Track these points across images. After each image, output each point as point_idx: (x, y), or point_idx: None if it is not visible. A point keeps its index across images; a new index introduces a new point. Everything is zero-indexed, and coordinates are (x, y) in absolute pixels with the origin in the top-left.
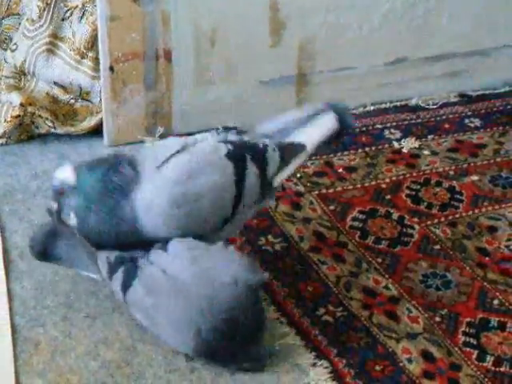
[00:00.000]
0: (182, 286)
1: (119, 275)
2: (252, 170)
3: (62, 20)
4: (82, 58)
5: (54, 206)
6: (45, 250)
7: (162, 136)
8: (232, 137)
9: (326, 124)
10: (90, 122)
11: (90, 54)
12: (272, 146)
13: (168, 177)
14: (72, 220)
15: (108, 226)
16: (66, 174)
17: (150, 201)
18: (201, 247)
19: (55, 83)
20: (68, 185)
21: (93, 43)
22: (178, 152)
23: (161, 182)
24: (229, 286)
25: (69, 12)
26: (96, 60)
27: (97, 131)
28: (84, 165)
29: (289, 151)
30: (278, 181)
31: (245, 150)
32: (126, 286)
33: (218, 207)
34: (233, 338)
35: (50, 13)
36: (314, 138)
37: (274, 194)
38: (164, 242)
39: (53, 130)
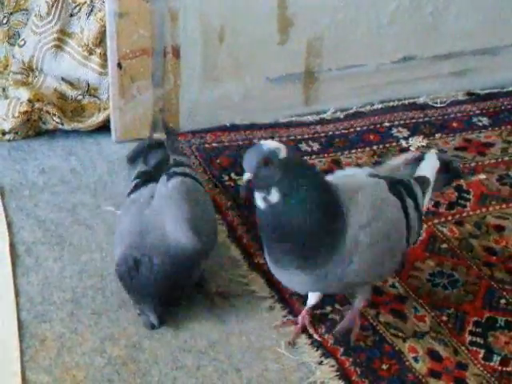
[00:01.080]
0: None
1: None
2: (410, 203)
3: (71, 16)
4: (90, 54)
5: (248, 176)
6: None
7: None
8: (372, 171)
9: (431, 163)
10: (97, 119)
11: (98, 51)
12: (413, 181)
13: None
14: (272, 195)
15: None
16: (278, 147)
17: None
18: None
19: (63, 79)
20: (279, 158)
21: (101, 39)
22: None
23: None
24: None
25: (77, 8)
26: (104, 56)
27: (104, 127)
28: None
29: (421, 184)
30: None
31: (397, 185)
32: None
33: (400, 245)
34: None
35: (59, 9)
36: (432, 174)
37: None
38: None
39: (60, 126)
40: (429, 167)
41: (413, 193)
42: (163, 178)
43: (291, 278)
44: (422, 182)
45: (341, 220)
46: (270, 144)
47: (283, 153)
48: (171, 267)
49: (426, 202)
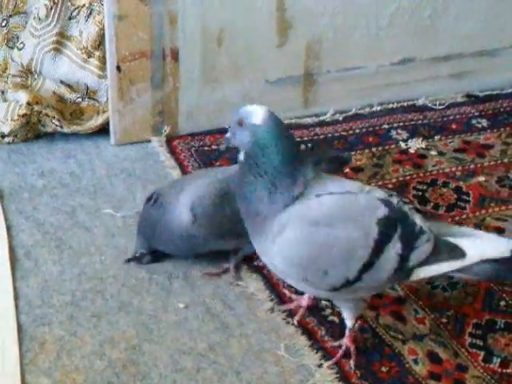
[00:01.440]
0: None
1: None
2: (395, 247)
3: (69, 19)
4: (89, 57)
5: (228, 134)
6: None
7: (169, 135)
8: (395, 199)
9: (498, 243)
10: (96, 121)
11: (97, 53)
12: (428, 236)
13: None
14: (241, 155)
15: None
16: (255, 111)
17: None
18: None
19: (62, 82)
20: (251, 122)
21: (100, 42)
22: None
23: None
24: None
25: (76, 11)
26: (103, 59)
27: (103, 130)
28: (277, 122)
29: (445, 250)
30: (420, 275)
31: (398, 223)
32: None
33: (342, 264)
34: None
35: (57, 12)
36: (479, 252)
37: (410, 281)
38: None
39: (59, 129)
40: (482, 248)
41: (413, 242)
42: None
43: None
44: (451, 250)
45: (289, 200)
46: (248, 107)
47: (257, 118)
48: (169, 223)
49: (444, 270)
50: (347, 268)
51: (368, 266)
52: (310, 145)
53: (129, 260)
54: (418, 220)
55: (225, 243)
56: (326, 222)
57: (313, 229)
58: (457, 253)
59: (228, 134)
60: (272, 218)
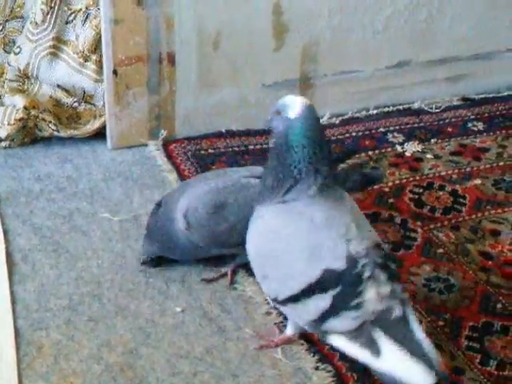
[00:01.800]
0: None
1: None
2: (324, 301)
3: (66, 23)
4: (86, 61)
5: (268, 119)
6: None
7: (166, 139)
8: (370, 260)
9: (421, 373)
10: (93, 125)
11: (94, 58)
12: (360, 315)
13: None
14: (271, 139)
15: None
16: (292, 105)
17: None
18: None
19: (58, 86)
20: (287, 115)
21: (96, 46)
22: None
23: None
24: None
25: (72, 15)
26: (99, 63)
27: (100, 134)
28: (311, 120)
29: (364, 340)
30: (331, 339)
31: (342, 285)
32: None
33: (276, 278)
34: None
35: (54, 16)
36: (392, 362)
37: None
38: None
39: (56, 133)
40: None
41: (342, 309)
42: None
43: None
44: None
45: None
46: (287, 99)
47: (294, 111)
48: (169, 227)
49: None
50: (279, 286)
51: (294, 299)
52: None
53: (143, 263)
54: (368, 294)
55: (221, 251)
56: (275, 235)
57: (264, 235)
58: (373, 349)
59: (269, 117)
60: (260, 204)
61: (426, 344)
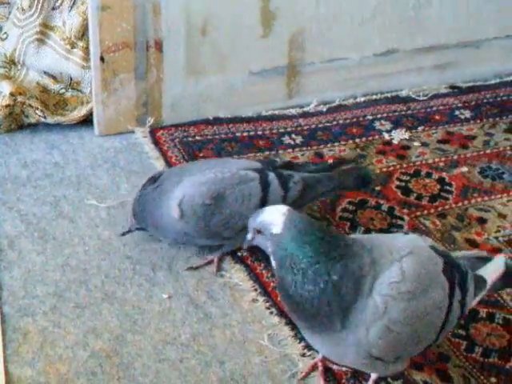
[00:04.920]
0: None
1: None
2: (457, 295)
3: (53, 9)
4: (73, 47)
5: (249, 236)
6: None
7: (153, 126)
8: (434, 245)
9: (497, 266)
10: (80, 112)
11: (81, 44)
12: (471, 275)
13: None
14: (272, 262)
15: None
16: (272, 219)
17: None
18: None
19: (45, 73)
20: (271, 232)
21: (83, 33)
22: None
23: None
24: None
25: (59, 1)
26: (86, 50)
27: (87, 121)
28: (298, 226)
29: (477, 283)
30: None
31: (455, 270)
32: None
33: (431, 330)
34: None
35: (41, 2)
36: (491, 277)
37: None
38: None
39: (43, 120)
40: (492, 271)
41: (465, 286)
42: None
43: (313, 338)
44: (478, 282)
45: (359, 283)
46: (265, 215)
47: (276, 227)
48: (161, 210)
49: (473, 304)
50: (434, 331)
51: (444, 323)
52: (330, 162)
53: (123, 234)
54: (460, 260)
55: (211, 242)
56: (422, 290)
57: (414, 303)
58: (483, 284)
59: (249, 236)
60: (357, 305)
61: None
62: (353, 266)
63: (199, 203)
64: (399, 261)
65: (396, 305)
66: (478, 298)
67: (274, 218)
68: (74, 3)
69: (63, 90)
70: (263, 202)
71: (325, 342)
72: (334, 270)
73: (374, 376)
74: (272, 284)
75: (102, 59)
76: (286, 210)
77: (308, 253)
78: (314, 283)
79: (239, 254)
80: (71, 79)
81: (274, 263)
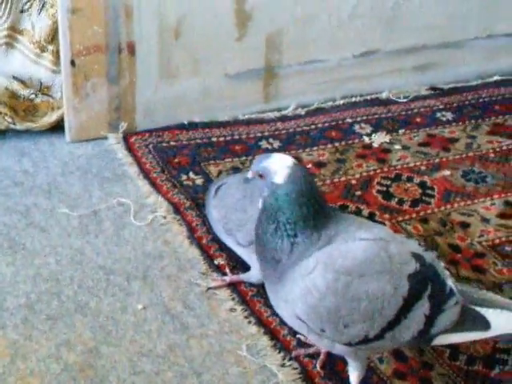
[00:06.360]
0: None
1: None
2: (423, 307)
3: (21, 12)
4: (42, 51)
5: (249, 174)
6: None
7: (126, 132)
8: (430, 256)
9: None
10: (50, 118)
11: (51, 48)
12: (457, 298)
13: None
14: (260, 202)
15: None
16: (277, 169)
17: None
18: None
19: (14, 78)
20: (272, 180)
21: (53, 36)
22: (369, 239)
23: (332, 261)
24: None
25: (28, 4)
26: (57, 53)
27: (58, 127)
28: (298, 184)
29: (470, 319)
30: (441, 341)
31: (429, 282)
32: None
33: (367, 320)
34: None
35: (9, 4)
36: (504, 325)
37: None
38: None
39: (12, 126)
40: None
41: (441, 306)
42: None
43: (267, 289)
44: (472, 319)
45: (310, 250)
46: (272, 164)
47: (279, 178)
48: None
49: (458, 340)
50: (371, 324)
51: (393, 324)
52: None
53: None
54: (449, 280)
55: (229, 241)
56: (359, 273)
57: (344, 278)
58: (482, 324)
59: (249, 175)
60: (294, 265)
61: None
62: (316, 235)
63: (230, 193)
64: (353, 241)
65: (324, 272)
66: (470, 336)
67: (279, 168)
68: (43, 6)
69: (33, 96)
70: None
71: (271, 292)
72: (302, 234)
73: (353, 376)
74: (250, 293)
75: (72, 63)
76: (291, 162)
77: (294, 212)
78: (281, 238)
79: (216, 262)
80: (41, 84)
81: (260, 204)
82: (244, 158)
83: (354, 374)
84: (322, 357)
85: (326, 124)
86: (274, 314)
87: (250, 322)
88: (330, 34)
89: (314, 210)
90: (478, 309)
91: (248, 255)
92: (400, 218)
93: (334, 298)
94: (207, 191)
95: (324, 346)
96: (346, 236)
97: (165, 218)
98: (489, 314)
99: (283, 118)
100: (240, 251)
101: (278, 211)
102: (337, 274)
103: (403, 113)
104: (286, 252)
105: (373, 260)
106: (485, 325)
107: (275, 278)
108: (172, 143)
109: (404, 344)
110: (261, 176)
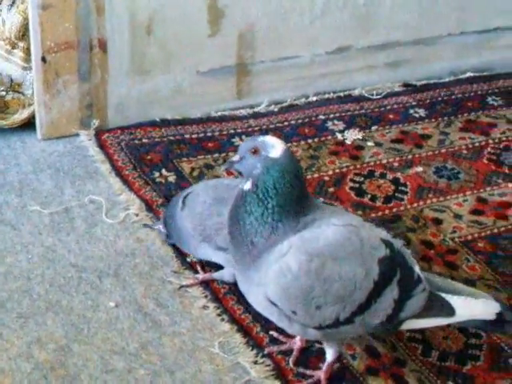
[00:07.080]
0: None
1: None
2: (393, 292)
3: None
4: (13, 48)
5: (236, 157)
6: None
7: (98, 129)
8: (398, 243)
9: (487, 305)
10: (21, 115)
11: (21, 44)
12: (424, 286)
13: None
14: (247, 184)
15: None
16: (274, 143)
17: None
18: None
19: None
20: (268, 153)
21: (24, 33)
22: (341, 225)
23: (309, 244)
24: None
25: None
26: (27, 50)
27: (29, 124)
28: (293, 163)
29: (436, 305)
30: (409, 326)
31: (398, 267)
32: None
33: (338, 303)
34: None
35: None
36: (468, 312)
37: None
38: None
39: None
40: (469, 306)
41: (410, 292)
42: None
43: (238, 275)
44: (438, 306)
45: (287, 236)
46: (269, 139)
47: (275, 151)
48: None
49: (432, 325)
50: (342, 307)
51: (363, 308)
52: None
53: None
54: (416, 267)
55: (207, 253)
56: (332, 255)
57: (317, 260)
58: (447, 310)
59: (235, 158)
60: (270, 249)
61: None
62: (295, 222)
63: (200, 201)
64: (327, 226)
65: (297, 254)
66: (435, 322)
67: (276, 143)
68: (13, 2)
69: (3, 93)
70: None
71: (243, 277)
72: (285, 219)
73: (329, 353)
74: (223, 290)
75: (43, 60)
76: (283, 142)
77: (284, 194)
78: (265, 222)
79: (188, 260)
80: (12, 81)
81: (249, 184)
82: (217, 154)
83: (329, 352)
84: (295, 353)
85: (299, 121)
86: (247, 311)
87: (222, 320)
88: (303, 30)
89: (301, 194)
90: (443, 295)
91: (225, 259)
92: (373, 215)
93: (306, 279)
94: (169, 206)
95: (295, 332)
96: (321, 222)
97: (137, 215)
98: (454, 300)
99: (256, 115)
100: (216, 256)
101: (269, 189)
102: (310, 255)
103: (376, 109)
104: (265, 236)
105: (344, 243)
106: (450, 311)
107: (248, 262)
108: (144, 140)
109: (373, 329)
110: (254, 152)
